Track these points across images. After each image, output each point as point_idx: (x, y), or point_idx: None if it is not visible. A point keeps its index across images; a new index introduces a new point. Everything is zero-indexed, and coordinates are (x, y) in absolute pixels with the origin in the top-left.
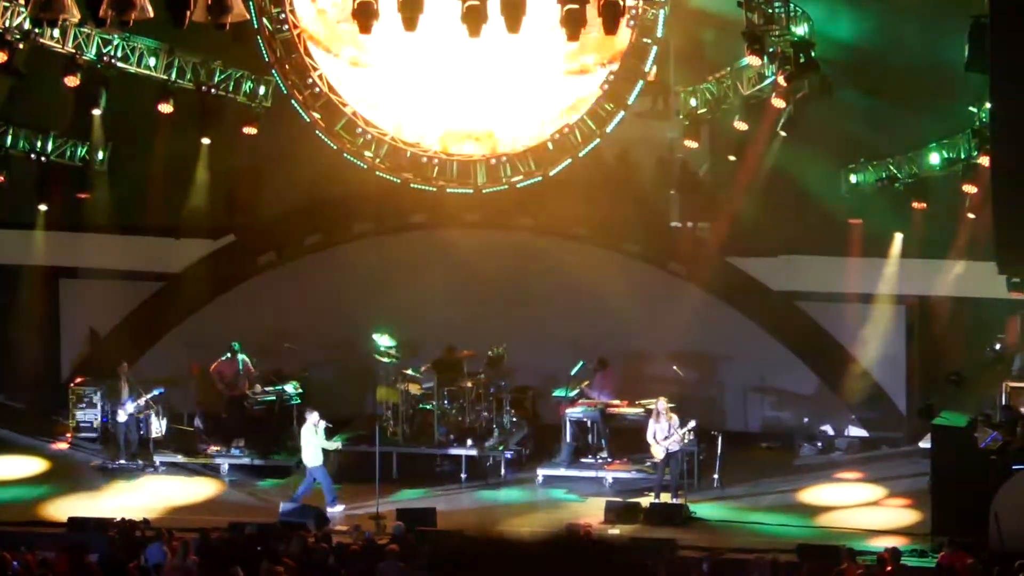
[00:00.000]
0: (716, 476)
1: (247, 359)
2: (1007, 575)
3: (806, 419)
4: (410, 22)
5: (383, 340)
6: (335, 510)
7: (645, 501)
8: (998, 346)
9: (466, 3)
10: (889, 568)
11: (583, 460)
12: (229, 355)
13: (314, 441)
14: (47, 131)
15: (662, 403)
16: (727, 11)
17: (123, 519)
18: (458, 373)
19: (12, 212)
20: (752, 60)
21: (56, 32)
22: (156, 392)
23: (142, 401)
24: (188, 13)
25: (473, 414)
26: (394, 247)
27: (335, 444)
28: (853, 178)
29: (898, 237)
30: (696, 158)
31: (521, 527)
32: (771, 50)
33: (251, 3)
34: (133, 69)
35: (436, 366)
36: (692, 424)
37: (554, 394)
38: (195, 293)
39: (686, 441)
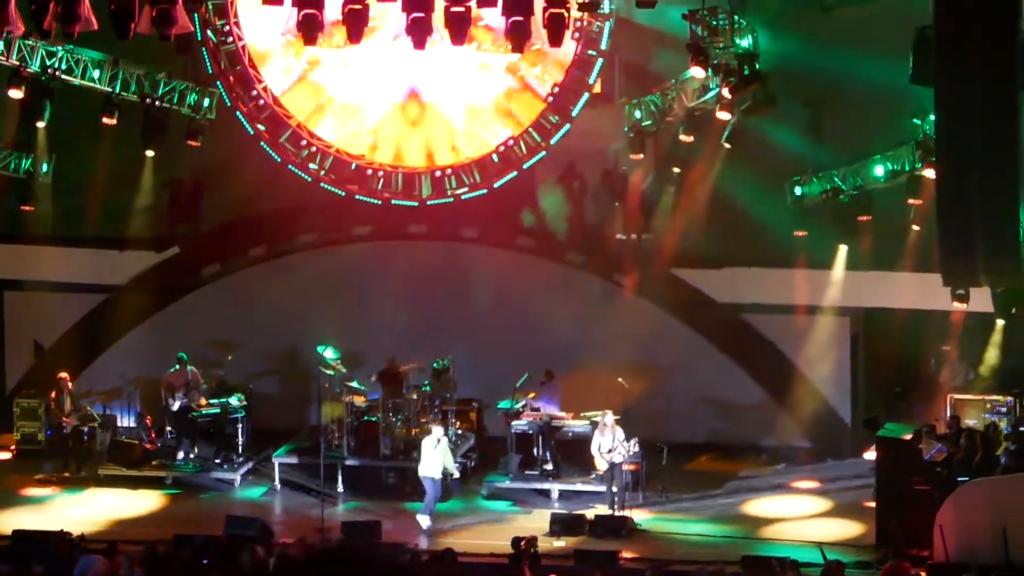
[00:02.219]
0: (661, 488)
1: (195, 370)
2: None
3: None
4: (355, 35)
5: (328, 352)
6: (422, 519)
7: (590, 513)
8: (943, 358)
9: (411, 15)
10: None
11: (528, 472)
12: (178, 366)
13: (433, 454)
14: None
15: (608, 416)
16: (672, 24)
17: (63, 531)
18: (403, 385)
19: None
20: (696, 72)
21: (0, 44)
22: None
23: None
24: (133, 25)
25: (418, 426)
26: (339, 259)
27: (453, 467)
28: (798, 191)
29: (843, 249)
30: (642, 170)
31: (467, 540)
32: (715, 62)
33: (196, 15)
34: (78, 81)
35: (381, 378)
36: (636, 440)
37: (499, 406)
38: (139, 305)
39: (630, 453)
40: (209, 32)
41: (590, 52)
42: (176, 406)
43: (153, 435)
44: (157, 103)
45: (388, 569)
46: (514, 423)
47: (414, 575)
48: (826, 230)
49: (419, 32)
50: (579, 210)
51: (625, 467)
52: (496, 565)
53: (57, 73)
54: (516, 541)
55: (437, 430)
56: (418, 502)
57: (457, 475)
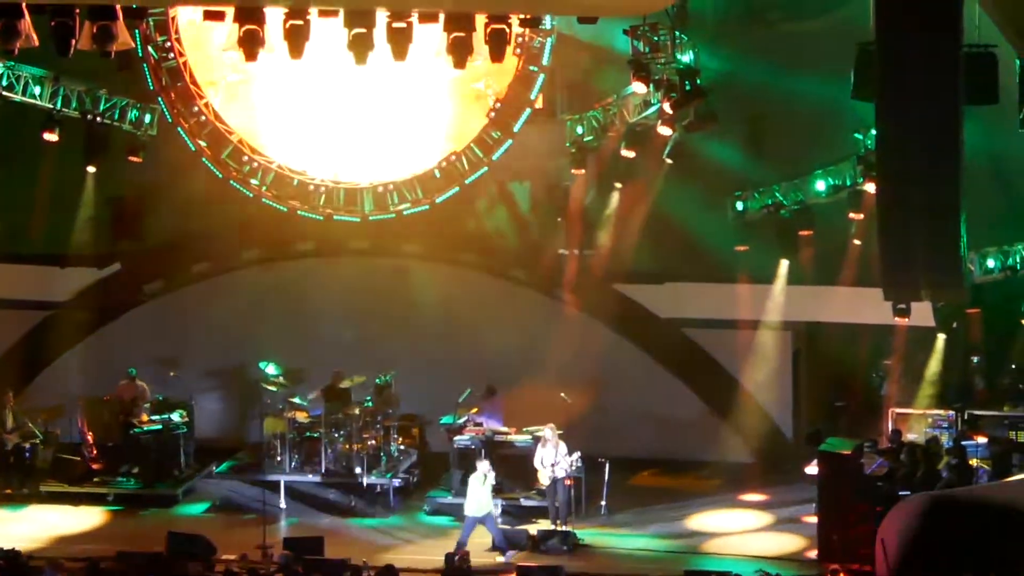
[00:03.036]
0: (603, 503)
1: (144, 385)
2: None
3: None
4: (296, 51)
5: (270, 368)
6: (504, 557)
7: (533, 528)
8: (884, 372)
9: (352, 31)
10: None
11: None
12: (127, 380)
13: (481, 492)
14: None
15: (549, 430)
16: (613, 39)
17: (12, 549)
18: (345, 401)
19: None
20: (638, 88)
21: None
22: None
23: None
24: (73, 41)
25: (360, 442)
26: (281, 275)
27: (495, 507)
28: (739, 206)
29: (784, 264)
30: (583, 185)
31: (409, 555)
32: (657, 78)
33: (137, 32)
34: (19, 98)
35: (323, 394)
36: (578, 455)
37: (441, 421)
38: (81, 322)
39: (573, 468)
40: (150, 48)
41: (531, 68)
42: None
43: (95, 452)
44: (98, 119)
45: None
46: (456, 438)
47: None
48: (767, 245)
49: (360, 48)
50: (519, 225)
51: (567, 482)
52: None
53: None
54: (449, 557)
55: (483, 465)
56: (361, 518)
57: (498, 511)
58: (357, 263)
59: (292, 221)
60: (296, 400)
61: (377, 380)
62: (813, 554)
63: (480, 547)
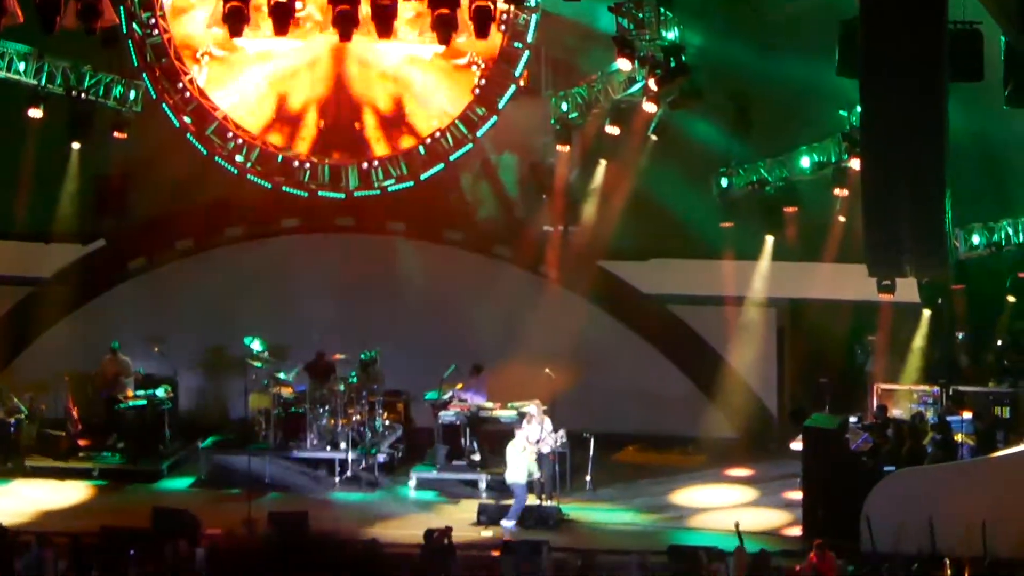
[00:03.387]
0: (588, 478)
1: (127, 359)
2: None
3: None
4: (281, 26)
5: (255, 344)
6: (508, 525)
7: None
8: (869, 348)
9: (337, 8)
10: (759, 570)
11: (456, 463)
12: (110, 355)
13: (520, 459)
14: None
15: (534, 406)
16: (598, 16)
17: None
18: (330, 377)
19: None
20: (623, 65)
21: None
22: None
23: None
24: (58, 18)
25: (345, 417)
26: (266, 251)
27: (538, 472)
28: (724, 182)
29: (769, 240)
30: (568, 162)
31: (394, 530)
32: (642, 54)
33: (121, 8)
34: (3, 74)
35: (308, 370)
36: (563, 431)
37: (426, 397)
38: (65, 298)
39: (558, 444)
40: (135, 25)
41: (516, 44)
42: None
43: (80, 428)
44: (83, 96)
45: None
46: (441, 414)
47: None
48: (752, 222)
49: (345, 24)
50: (504, 202)
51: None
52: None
53: None
54: (428, 533)
55: (520, 434)
56: (345, 492)
57: (539, 475)
58: (341, 240)
59: (277, 198)
60: (281, 376)
61: (362, 356)
62: (798, 530)
63: (463, 523)
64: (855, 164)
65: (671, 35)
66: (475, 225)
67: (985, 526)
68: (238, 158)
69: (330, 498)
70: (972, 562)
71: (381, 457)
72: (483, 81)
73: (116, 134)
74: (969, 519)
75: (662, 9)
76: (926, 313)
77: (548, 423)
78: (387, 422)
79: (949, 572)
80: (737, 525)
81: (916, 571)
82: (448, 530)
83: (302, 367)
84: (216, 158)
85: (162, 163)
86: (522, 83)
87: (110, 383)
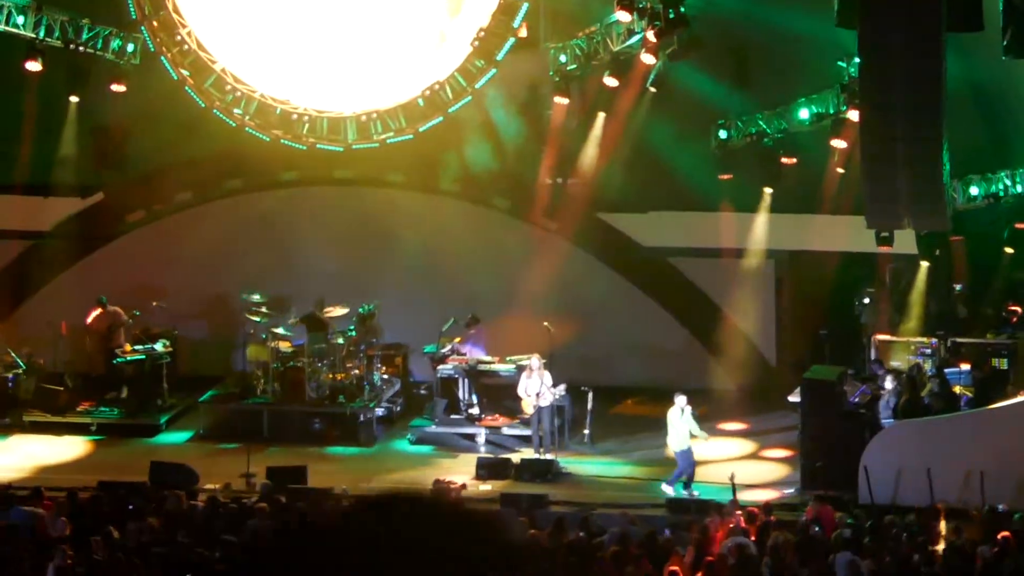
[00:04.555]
0: (587, 431)
1: (117, 309)
2: (875, 529)
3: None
4: None
5: (253, 298)
6: (666, 489)
7: (516, 457)
8: (867, 300)
9: None
10: (759, 522)
11: (454, 416)
12: (100, 310)
13: (680, 425)
14: None
15: (535, 360)
16: None
17: None
18: (328, 330)
19: None
20: (622, 16)
21: None
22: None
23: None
24: None
25: (344, 371)
26: (264, 204)
27: (703, 434)
28: (722, 134)
29: (767, 192)
30: (567, 114)
31: (393, 484)
32: (641, 6)
33: None
34: (1, 27)
35: (306, 323)
36: (563, 385)
37: (424, 351)
38: (64, 251)
39: (557, 397)
40: None
41: None
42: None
43: (78, 380)
44: (81, 49)
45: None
46: (440, 367)
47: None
48: (751, 174)
49: None
50: (503, 155)
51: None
52: None
53: None
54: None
55: (680, 399)
56: (343, 446)
57: (706, 438)
58: (340, 192)
59: (275, 150)
60: (279, 330)
61: (360, 309)
62: (797, 482)
63: (463, 477)
64: (854, 116)
65: None
66: (474, 177)
67: (983, 477)
68: (236, 111)
69: (329, 452)
70: (970, 512)
71: (380, 411)
72: (482, 33)
73: (114, 87)
74: (967, 470)
75: None
76: (924, 265)
77: (547, 376)
78: (385, 376)
79: (945, 523)
80: (732, 477)
81: (914, 522)
82: (462, 486)
83: (297, 319)
84: (214, 111)
85: (160, 116)
86: (521, 35)
87: (105, 336)
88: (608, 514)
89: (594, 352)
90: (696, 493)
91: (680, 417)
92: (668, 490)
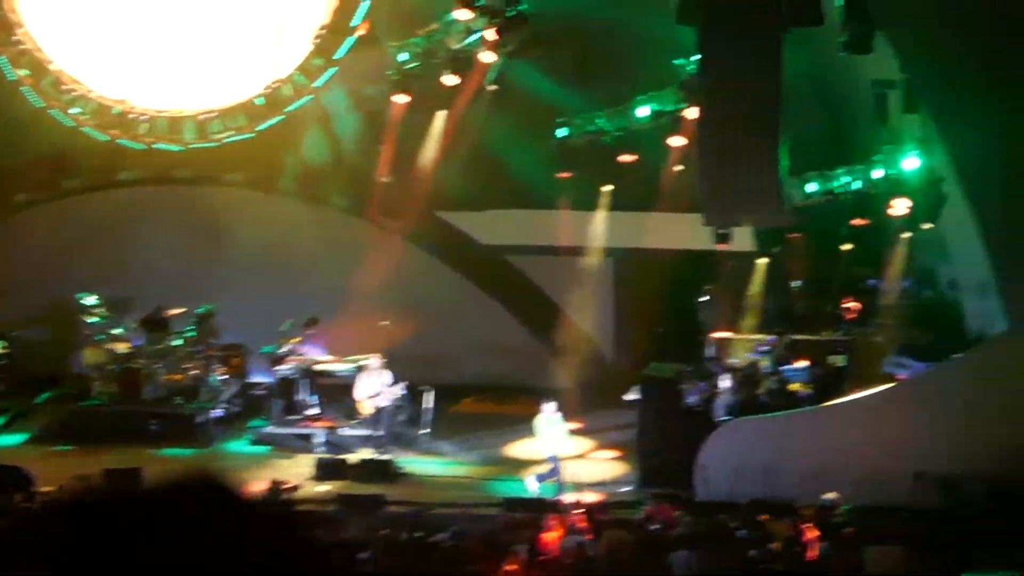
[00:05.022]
0: (426, 431)
1: None
2: (712, 527)
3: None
4: None
5: (90, 299)
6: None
7: (354, 457)
8: (706, 297)
9: None
10: (595, 520)
11: (292, 417)
12: None
13: (548, 432)
14: None
15: (374, 360)
16: None
17: None
18: (166, 331)
19: None
20: (461, 14)
21: None
22: None
23: None
24: None
25: (182, 372)
26: (103, 204)
27: (568, 442)
28: (562, 132)
29: (607, 190)
30: (406, 113)
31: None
32: (481, 4)
33: None
34: None
35: (144, 324)
36: (402, 384)
37: (263, 351)
38: None
39: (396, 397)
40: None
41: None
42: None
43: None
44: None
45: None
46: (278, 368)
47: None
48: (590, 171)
49: None
50: (342, 154)
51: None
52: None
53: None
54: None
55: (548, 406)
56: (181, 447)
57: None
58: (179, 192)
59: (114, 150)
60: (117, 331)
61: (198, 310)
62: (634, 479)
63: (300, 477)
64: (692, 113)
65: None
66: (313, 176)
67: (821, 473)
68: (73, 111)
69: (166, 454)
70: (807, 509)
71: (218, 412)
72: (322, 31)
73: None
74: (805, 467)
75: None
76: (762, 262)
77: (387, 376)
78: (224, 376)
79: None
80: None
81: (752, 520)
82: (294, 487)
83: (137, 321)
84: (51, 111)
85: None
86: (360, 33)
87: None
88: (446, 513)
89: (433, 351)
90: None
91: (548, 423)
92: (534, 487)
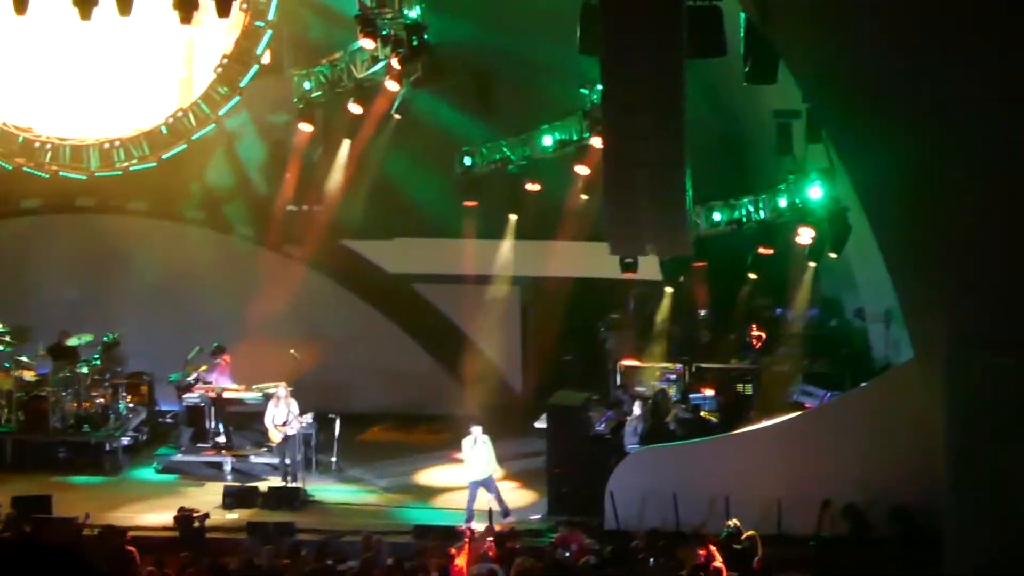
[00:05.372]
0: (334, 459)
1: None
2: (621, 554)
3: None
4: (20, 5)
5: None
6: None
7: (263, 485)
8: (612, 326)
9: None
10: (504, 548)
11: (201, 445)
12: None
13: (472, 456)
14: None
15: (281, 388)
16: None
17: None
18: (73, 359)
19: None
20: (366, 43)
21: None
22: None
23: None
24: None
25: (89, 400)
26: (7, 232)
27: (496, 466)
28: (467, 161)
29: (512, 219)
30: (311, 141)
31: (138, 513)
32: (384, 33)
33: None
34: None
35: (50, 352)
36: (310, 413)
37: (170, 379)
38: None
39: (304, 425)
40: None
41: (258, 23)
42: None
43: None
44: None
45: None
46: (186, 396)
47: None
48: (495, 200)
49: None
50: (247, 182)
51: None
52: (168, 539)
53: None
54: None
55: (475, 430)
56: (89, 475)
57: (498, 473)
58: (83, 221)
59: (17, 178)
60: (23, 358)
61: (104, 338)
62: (543, 507)
63: (209, 505)
64: (597, 142)
65: (413, 14)
66: (217, 205)
67: (728, 501)
68: None
69: (74, 481)
70: (712, 536)
71: (125, 440)
72: (225, 60)
73: None
74: (713, 495)
75: None
76: (668, 290)
77: (294, 404)
78: (131, 404)
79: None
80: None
81: (661, 547)
82: (205, 515)
83: (44, 350)
84: None
85: None
86: (264, 62)
87: None
88: (355, 541)
89: (340, 379)
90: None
91: (472, 447)
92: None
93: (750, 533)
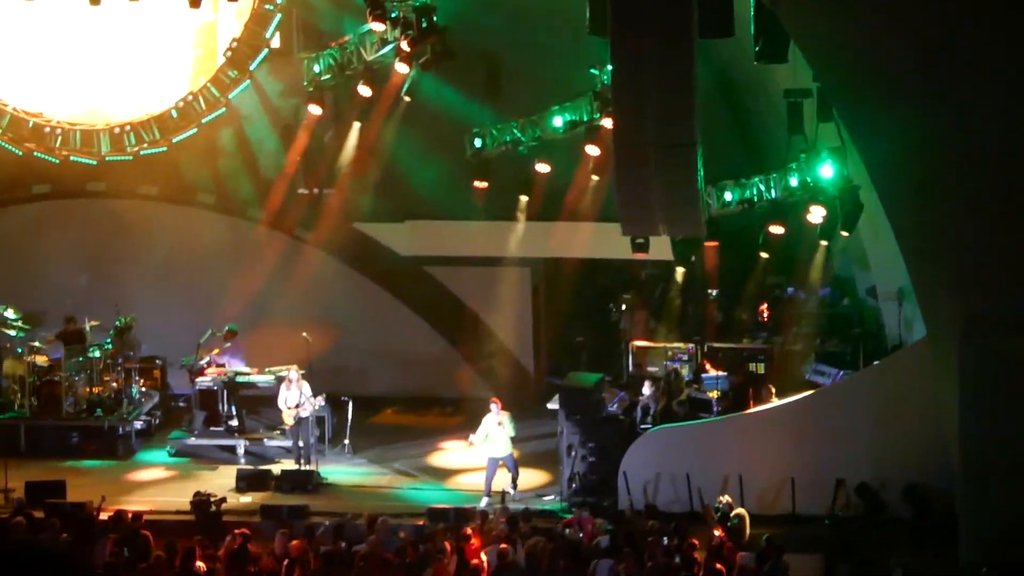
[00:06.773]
0: (347, 442)
1: None
2: (637, 535)
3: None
4: None
5: (8, 312)
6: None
7: (276, 468)
8: (624, 306)
9: None
10: (520, 529)
11: (213, 428)
12: None
13: (495, 434)
14: None
15: (293, 371)
16: None
17: None
18: (85, 344)
19: None
20: (375, 26)
21: None
22: None
23: None
24: None
25: (101, 384)
26: (18, 217)
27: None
28: (477, 142)
29: (523, 200)
30: (321, 124)
31: (153, 497)
32: (393, 16)
33: None
34: None
35: (63, 337)
36: (323, 395)
37: (182, 363)
38: None
39: (317, 408)
40: None
41: (267, 7)
42: None
43: None
44: None
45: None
46: (198, 380)
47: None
48: (506, 182)
49: None
50: (257, 166)
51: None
52: (183, 523)
53: None
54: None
55: (494, 407)
56: (102, 460)
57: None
58: (94, 205)
59: (28, 164)
60: (36, 343)
61: (116, 322)
62: (556, 488)
63: (222, 489)
64: (607, 123)
65: None
66: (229, 188)
67: (741, 480)
68: None
69: (87, 466)
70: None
71: (138, 424)
72: (235, 44)
73: None
74: (724, 474)
75: None
76: (680, 270)
77: (307, 387)
78: (144, 388)
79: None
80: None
81: (674, 527)
82: (222, 499)
83: (54, 334)
84: None
85: None
86: (274, 45)
87: None
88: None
89: (353, 362)
90: (511, 493)
91: (497, 425)
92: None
93: (739, 511)
